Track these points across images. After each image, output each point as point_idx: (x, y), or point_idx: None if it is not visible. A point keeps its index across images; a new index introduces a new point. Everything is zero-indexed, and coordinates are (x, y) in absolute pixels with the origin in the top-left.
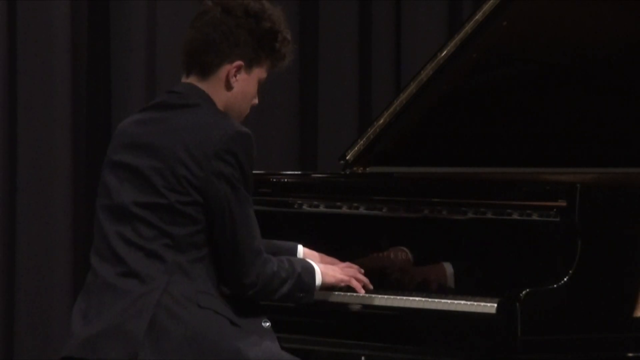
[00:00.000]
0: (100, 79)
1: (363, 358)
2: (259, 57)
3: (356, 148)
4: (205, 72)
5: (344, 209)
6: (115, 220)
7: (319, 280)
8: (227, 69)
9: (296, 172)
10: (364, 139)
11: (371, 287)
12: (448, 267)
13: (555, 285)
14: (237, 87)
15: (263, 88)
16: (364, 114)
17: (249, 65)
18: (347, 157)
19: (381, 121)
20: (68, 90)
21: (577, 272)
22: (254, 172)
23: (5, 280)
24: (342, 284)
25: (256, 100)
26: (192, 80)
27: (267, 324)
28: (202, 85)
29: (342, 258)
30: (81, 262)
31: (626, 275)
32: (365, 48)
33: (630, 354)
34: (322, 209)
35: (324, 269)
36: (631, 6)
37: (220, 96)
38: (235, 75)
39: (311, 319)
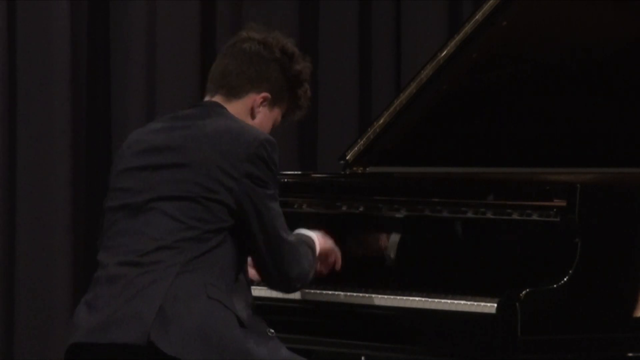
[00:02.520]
0: (100, 79)
1: (363, 358)
2: (283, 97)
3: (356, 148)
4: (232, 95)
5: (344, 209)
6: (133, 217)
7: (318, 248)
8: (253, 97)
9: (296, 172)
10: (364, 139)
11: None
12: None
13: (555, 285)
14: (258, 119)
15: None
16: (364, 114)
17: (273, 102)
18: (347, 157)
19: (381, 121)
20: (68, 90)
21: (577, 272)
22: None
23: (5, 280)
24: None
25: None
26: (217, 100)
27: (272, 333)
28: (226, 106)
29: (342, 258)
30: (81, 262)
31: (626, 275)
32: (365, 48)
33: (630, 354)
34: (322, 209)
35: (317, 236)
36: (631, 6)
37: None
38: (259, 106)
39: (311, 319)
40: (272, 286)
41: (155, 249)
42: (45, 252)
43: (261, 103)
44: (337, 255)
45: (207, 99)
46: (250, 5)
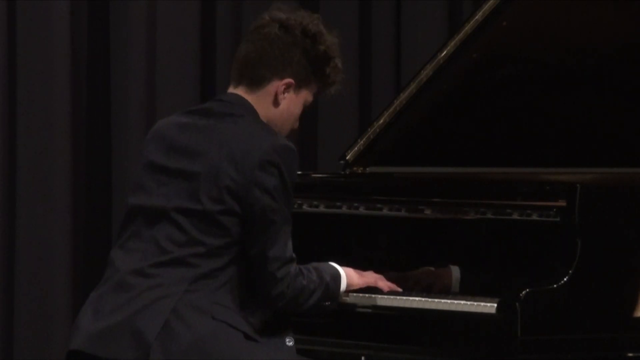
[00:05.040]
0: (100, 79)
1: (363, 358)
2: (309, 79)
3: (356, 148)
4: (255, 85)
5: (344, 209)
6: (149, 222)
7: (344, 285)
8: (276, 84)
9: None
10: (364, 139)
11: (400, 289)
12: (455, 271)
13: (555, 285)
14: (284, 105)
15: None
16: (364, 114)
17: (298, 86)
18: (347, 157)
19: (381, 121)
20: (68, 90)
21: (577, 272)
22: None
23: (6, 280)
24: (368, 285)
25: (297, 124)
26: (240, 91)
27: (291, 343)
28: (249, 98)
29: (343, 259)
30: (81, 262)
31: (626, 275)
32: (365, 48)
33: (630, 354)
34: (322, 209)
35: (349, 273)
36: (631, 6)
37: (265, 111)
38: (283, 93)
39: (311, 319)
40: (257, 296)
41: (165, 261)
42: (45, 252)
43: (285, 90)
44: (383, 281)
45: (230, 89)
46: (250, 5)
